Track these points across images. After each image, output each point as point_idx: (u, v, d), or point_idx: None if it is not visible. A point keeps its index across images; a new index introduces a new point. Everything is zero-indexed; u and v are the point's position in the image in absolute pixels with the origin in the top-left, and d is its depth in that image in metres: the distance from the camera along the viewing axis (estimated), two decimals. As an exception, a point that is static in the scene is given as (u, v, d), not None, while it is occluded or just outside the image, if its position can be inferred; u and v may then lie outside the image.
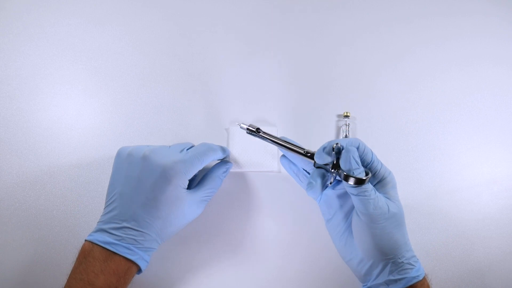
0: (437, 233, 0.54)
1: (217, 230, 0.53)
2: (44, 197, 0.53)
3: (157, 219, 0.43)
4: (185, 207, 0.45)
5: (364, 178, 0.41)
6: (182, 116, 0.56)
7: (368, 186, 0.42)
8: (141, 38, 0.58)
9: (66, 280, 0.42)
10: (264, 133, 0.48)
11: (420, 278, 0.42)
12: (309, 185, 0.44)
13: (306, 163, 0.48)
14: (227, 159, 0.53)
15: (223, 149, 0.51)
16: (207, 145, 0.48)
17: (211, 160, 0.48)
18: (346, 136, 0.55)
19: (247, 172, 0.54)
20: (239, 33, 0.59)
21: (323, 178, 0.45)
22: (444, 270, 0.53)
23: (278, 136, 0.48)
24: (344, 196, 0.47)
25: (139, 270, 0.44)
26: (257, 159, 0.53)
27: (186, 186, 0.45)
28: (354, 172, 0.41)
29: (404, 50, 0.59)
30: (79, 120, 0.55)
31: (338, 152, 0.43)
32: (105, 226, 0.42)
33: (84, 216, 0.52)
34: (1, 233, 0.51)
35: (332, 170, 0.44)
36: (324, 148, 0.43)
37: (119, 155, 0.47)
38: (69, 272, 0.42)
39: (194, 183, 0.50)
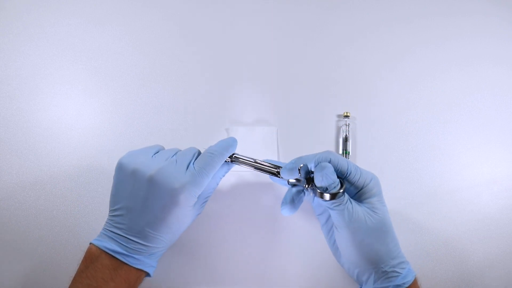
0: (437, 233, 0.54)
1: (217, 230, 0.53)
2: (44, 197, 0.53)
3: (166, 234, 0.43)
4: (191, 219, 0.45)
5: (338, 191, 0.40)
6: (182, 116, 0.56)
7: (343, 199, 0.41)
8: (141, 38, 0.58)
9: (67, 281, 0.42)
10: (238, 157, 0.47)
11: (406, 285, 0.41)
12: (282, 206, 0.45)
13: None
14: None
15: (228, 149, 0.45)
16: (212, 153, 0.44)
17: (218, 167, 0.45)
18: (346, 136, 0.55)
19: (247, 172, 0.54)
20: (238, 33, 0.59)
21: (298, 195, 0.45)
22: (444, 270, 0.53)
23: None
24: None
25: (147, 274, 0.44)
26: (256, 159, 0.53)
27: (194, 202, 0.44)
28: (329, 188, 0.41)
29: (404, 50, 0.59)
30: (79, 120, 0.55)
31: (306, 172, 0.42)
32: (114, 236, 0.42)
33: (84, 216, 0.52)
34: (1, 233, 0.51)
35: (306, 186, 0.43)
36: (290, 166, 0.43)
37: (121, 169, 0.44)
38: (69, 272, 0.42)
39: None
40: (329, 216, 0.47)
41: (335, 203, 0.41)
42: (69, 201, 0.53)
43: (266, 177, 0.54)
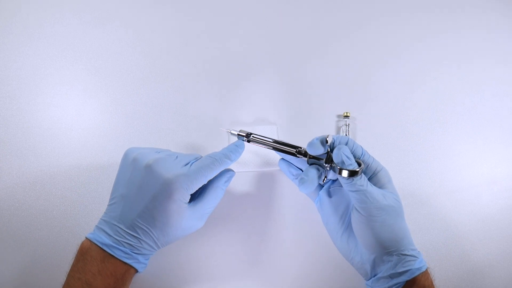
0: (437, 233, 0.54)
1: (217, 230, 0.53)
2: (44, 197, 0.53)
3: (154, 228, 0.42)
4: (184, 220, 0.43)
5: (357, 169, 0.42)
6: (182, 116, 0.56)
7: (362, 179, 0.42)
8: (141, 38, 0.58)
9: (66, 279, 0.42)
10: (255, 137, 0.47)
11: (423, 269, 0.42)
12: (301, 181, 0.44)
13: (304, 164, 0.48)
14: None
15: (230, 156, 0.46)
16: (213, 157, 0.45)
17: (217, 172, 0.45)
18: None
19: (248, 172, 0.54)
20: (238, 33, 0.59)
21: (316, 173, 0.45)
22: (444, 270, 0.53)
23: (274, 137, 0.48)
24: (340, 196, 0.47)
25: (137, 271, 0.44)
26: (259, 159, 0.53)
27: (187, 201, 0.44)
28: (345, 163, 0.42)
29: (405, 50, 0.59)
30: (79, 120, 0.55)
31: (331, 145, 0.44)
32: (105, 227, 0.42)
33: (84, 216, 0.52)
34: (1, 233, 0.51)
35: (326, 165, 0.44)
36: (316, 139, 0.44)
37: (126, 157, 0.45)
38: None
39: (195, 194, 0.47)
40: (333, 212, 0.47)
41: (354, 182, 0.42)
42: (69, 201, 0.53)
43: (267, 177, 0.54)
